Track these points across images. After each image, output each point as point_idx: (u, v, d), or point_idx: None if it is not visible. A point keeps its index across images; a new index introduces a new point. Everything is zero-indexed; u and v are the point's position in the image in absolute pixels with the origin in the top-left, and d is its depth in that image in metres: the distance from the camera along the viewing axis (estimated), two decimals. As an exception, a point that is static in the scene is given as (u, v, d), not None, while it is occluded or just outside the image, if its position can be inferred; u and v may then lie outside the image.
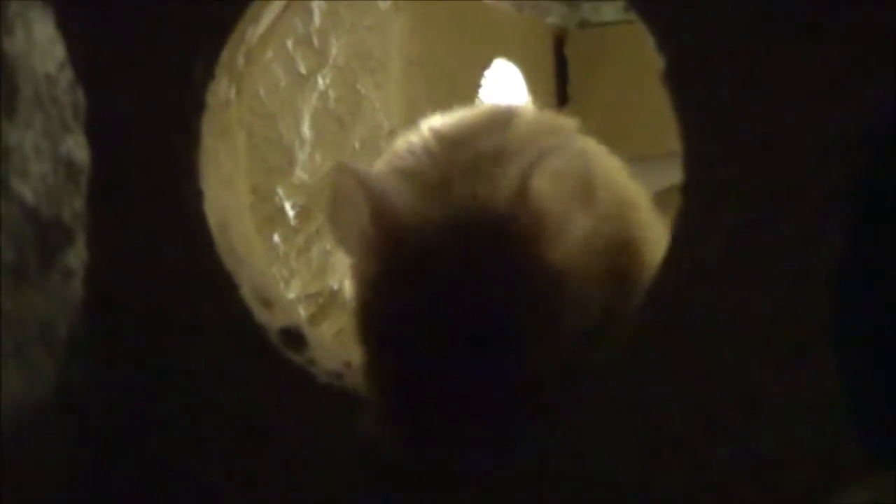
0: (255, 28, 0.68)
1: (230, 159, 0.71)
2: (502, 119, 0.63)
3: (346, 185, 0.60)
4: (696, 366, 0.57)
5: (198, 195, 0.65)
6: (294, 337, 0.66)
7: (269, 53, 1.03)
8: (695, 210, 0.58)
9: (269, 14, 0.69)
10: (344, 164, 0.63)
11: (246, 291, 0.66)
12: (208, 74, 0.65)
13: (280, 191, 1.07)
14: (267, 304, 0.67)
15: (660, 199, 0.69)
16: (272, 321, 0.66)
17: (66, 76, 0.58)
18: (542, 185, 0.56)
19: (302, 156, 1.09)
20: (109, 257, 0.61)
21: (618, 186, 0.64)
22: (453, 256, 0.55)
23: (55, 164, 0.57)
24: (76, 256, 0.59)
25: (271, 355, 0.64)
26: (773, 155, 0.56)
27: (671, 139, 0.63)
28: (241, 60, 0.69)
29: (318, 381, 0.64)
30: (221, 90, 0.67)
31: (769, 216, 0.56)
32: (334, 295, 1.10)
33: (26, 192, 0.55)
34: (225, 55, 0.66)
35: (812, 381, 0.54)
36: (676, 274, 0.58)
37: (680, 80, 0.58)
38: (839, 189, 0.55)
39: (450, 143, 0.62)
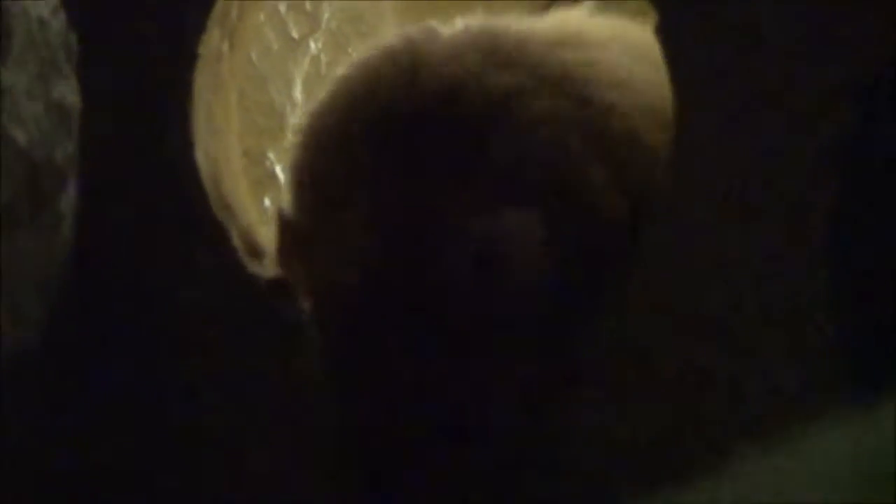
0: (249, -20, 0.68)
1: (222, 114, 0.71)
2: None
3: None
4: (686, 315, 0.57)
5: (189, 145, 0.65)
6: (284, 288, 0.66)
7: (262, 17, 1.02)
8: (690, 163, 0.58)
9: (264, -34, 0.69)
10: None
11: (237, 242, 0.66)
12: (200, 25, 0.65)
13: (271, 155, 1.06)
14: (258, 256, 0.67)
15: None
16: (263, 272, 0.66)
17: (59, 20, 0.58)
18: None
19: (293, 120, 1.08)
20: (100, 203, 0.61)
21: None
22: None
23: (48, 108, 0.57)
24: (67, 202, 0.59)
25: (263, 304, 0.64)
26: (771, 108, 0.56)
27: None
28: (234, 13, 0.69)
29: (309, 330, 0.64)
30: (214, 42, 0.67)
31: (766, 170, 0.56)
32: (324, 259, 1.10)
33: (19, 134, 0.54)
34: (218, 6, 0.66)
35: (803, 330, 0.55)
36: (670, 227, 0.58)
37: (674, 34, 0.58)
38: (837, 141, 0.55)
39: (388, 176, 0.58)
